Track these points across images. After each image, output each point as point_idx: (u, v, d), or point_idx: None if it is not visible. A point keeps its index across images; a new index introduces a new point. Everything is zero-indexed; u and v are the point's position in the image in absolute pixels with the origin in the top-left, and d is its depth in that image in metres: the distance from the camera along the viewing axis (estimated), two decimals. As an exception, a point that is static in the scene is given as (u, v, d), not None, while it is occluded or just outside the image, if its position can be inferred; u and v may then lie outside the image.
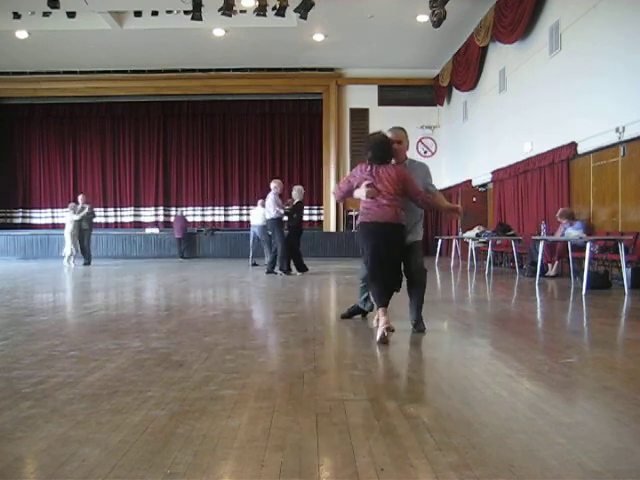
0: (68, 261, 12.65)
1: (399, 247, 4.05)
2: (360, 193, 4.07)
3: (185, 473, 1.72)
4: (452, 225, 16.09)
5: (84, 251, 13.11)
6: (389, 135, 4.28)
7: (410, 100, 17.50)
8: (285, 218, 9.71)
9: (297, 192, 10.11)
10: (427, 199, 4.20)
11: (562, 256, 8.81)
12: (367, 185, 4.02)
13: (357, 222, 4.22)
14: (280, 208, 9.62)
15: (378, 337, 3.69)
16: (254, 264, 12.02)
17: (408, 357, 3.55)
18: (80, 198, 13.75)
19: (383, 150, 4.10)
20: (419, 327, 4.16)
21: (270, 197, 9.75)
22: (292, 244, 9.73)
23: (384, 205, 3.98)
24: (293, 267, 9.75)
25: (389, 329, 3.76)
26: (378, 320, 3.83)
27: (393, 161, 4.21)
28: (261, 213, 12.68)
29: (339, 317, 4.71)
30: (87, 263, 13.04)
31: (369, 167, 4.08)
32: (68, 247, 12.75)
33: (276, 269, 9.58)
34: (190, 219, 18.01)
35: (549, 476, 1.70)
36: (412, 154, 17.12)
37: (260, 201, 13.24)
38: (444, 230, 16.78)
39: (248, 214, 19.11)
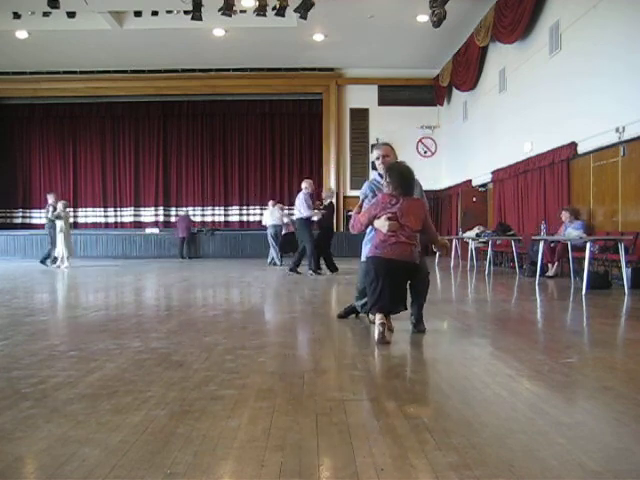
0: (63, 261, 12.15)
1: (410, 281, 4.09)
2: (381, 224, 3.85)
3: (185, 473, 1.72)
4: (452, 225, 16.09)
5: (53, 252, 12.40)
6: (377, 152, 4.29)
7: (410, 100, 17.51)
8: (315, 218, 9.59)
9: (330, 193, 10.10)
10: (430, 236, 4.14)
11: (562, 257, 8.82)
12: (389, 218, 3.82)
13: (368, 252, 4.02)
14: (310, 209, 9.49)
15: (376, 337, 3.68)
16: (273, 263, 11.90)
17: (408, 357, 3.55)
18: (50, 197, 13.07)
19: (409, 181, 3.93)
20: (419, 327, 4.15)
21: (300, 197, 9.59)
22: (324, 245, 9.67)
23: (403, 242, 3.82)
24: (323, 266, 9.74)
25: (385, 326, 3.79)
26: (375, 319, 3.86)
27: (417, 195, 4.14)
28: (269, 213, 12.94)
29: (336, 317, 4.72)
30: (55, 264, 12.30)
31: (394, 199, 3.86)
32: (60, 248, 12.19)
33: (302, 269, 9.53)
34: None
35: (549, 476, 1.70)
36: (412, 154, 17.18)
37: (271, 202, 13.41)
38: (444, 230, 16.78)
39: (248, 214, 19.22)
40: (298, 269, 9.54)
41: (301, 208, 9.50)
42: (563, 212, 8.84)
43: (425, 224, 3.95)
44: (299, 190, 9.91)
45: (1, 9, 12.67)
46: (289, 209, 18.96)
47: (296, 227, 9.83)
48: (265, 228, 12.94)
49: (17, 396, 2.50)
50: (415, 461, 1.79)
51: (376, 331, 3.71)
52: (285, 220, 12.81)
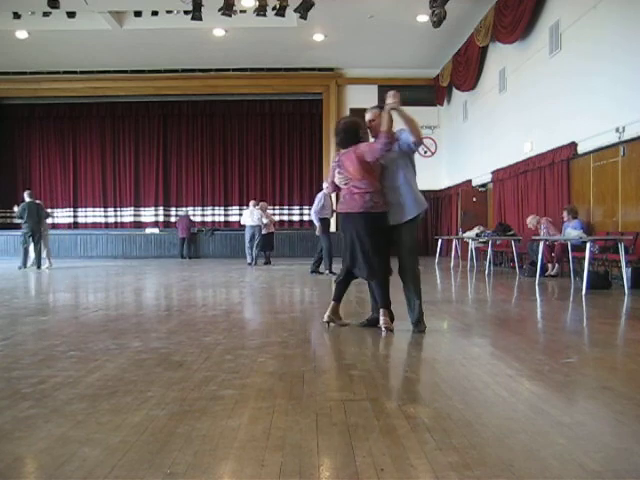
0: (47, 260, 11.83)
1: (373, 236, 3.96)
2: (337, 180, 4.10)
3: (185, 473, 1.72)
4: (452, 225, 16.10)
5: (28, 252, 12.13)
6: (367, 116, 4.18)
7: (410, 100, 17.34)
8: (316, 223, 9.43)
9: None
10: (379, 142, 3.88)
11: (560, 257, 8.82)
12: (339, 172, 4.06)
13: None
14: (324, 209, 9.35)
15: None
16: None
17: (408, 357, 3.55)
18: (26, 194, 12.72)
19: (347, 133, 4.07)
20: (420, 327, 4.11)
21: (319, 196, 9.47)
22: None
23: (354, 194, 3.98)
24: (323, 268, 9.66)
25: (330, 321, 4.15)
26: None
27: (371, 140, 4.13)
28: (249, 213, 13.01)
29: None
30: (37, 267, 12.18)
31: (337, 155, 4.16)
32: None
33: (321, 269, 9.51)
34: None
35: (549, 476, 1.70)
36: (412, 154, 16.53)
37: (252, 202, 13.61)
38: (444, 230, 16.79)
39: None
40: (319, 269, 9.49)
41: (317, 208, 9.36)
42: (564, 211, 8.93)
43: (365, 171, 3.93)
44: (314, 190, 9.86)
45: (1, 9, 12.67)
46: (288, 208, 19.02)
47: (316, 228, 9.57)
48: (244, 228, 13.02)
49: (17, 396, 2.50)
50: (415, 461, 1.79)
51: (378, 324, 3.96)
52: (265, 221, 12.89)
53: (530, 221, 9.62)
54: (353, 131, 4.07)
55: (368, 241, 3.98)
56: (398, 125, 3.99)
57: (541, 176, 10.64)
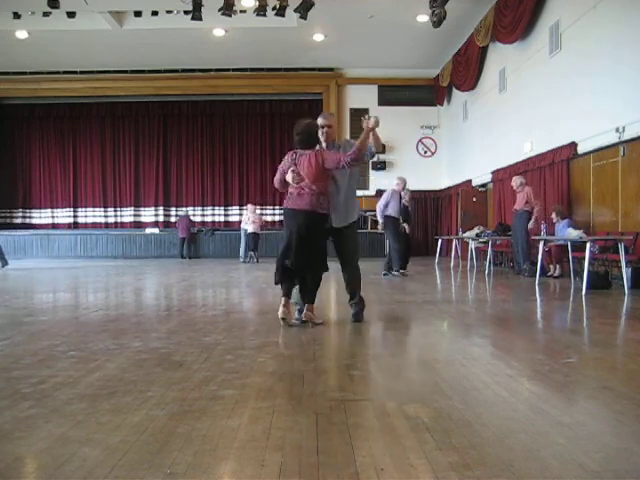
0: None
1: (315, 234, 4.26)
2: (288, 178, 4.29)
3: (185, 473, 1.72)
4: (452, 225, 16.09)
5: None
6: (320, 120, 4.42)
7: (410, 100, 17.51)
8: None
9: (407, 191, 9.91)
10: (349, 155, 4.11)
11: (559, 258, 8.81)
12: (292, 171, 4.25)
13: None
14: (393, 207, 9.12)
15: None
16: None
17: (408, 357, 3.55)
18: None
19: (308, 135, 4.29)
20: (358, 318, 4.41)
21: (387, 193, 9.20)
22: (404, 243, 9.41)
23: (304, 193, 4.23)
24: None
25: (284, 319, 4.22)
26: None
27: (323, 145, 4.40)
28: (251, 216, 14.07)
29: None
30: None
31: (294, 154, 4.32)
32: None
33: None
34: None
35: (549, 476, 1.70)
36: (412, 154, 17.20)
37: (250, 206, 14.57)
38: (444, 230, 16.79)
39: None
40: (392, 271, 9.22)
41: (381, 205, 9.12)
42: (553, 212, 8.99)
43: (328, 164, 4.17)
44: None
45: (1, 9, 12.67)
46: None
47: (385, 227, 9.31)
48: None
49: (17, 396, 2.50)
50: (415, 461, 1.79)
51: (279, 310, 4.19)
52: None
53: (515, 180, 9.47)
54: (314, 133, 4.31)
55: (309, 238, 4.25)
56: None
57: (541, 176, 10.64)
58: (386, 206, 9.08)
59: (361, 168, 4.62)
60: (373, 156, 4.43)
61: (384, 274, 9.15)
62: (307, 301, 4.37)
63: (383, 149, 4.45)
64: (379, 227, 9.25)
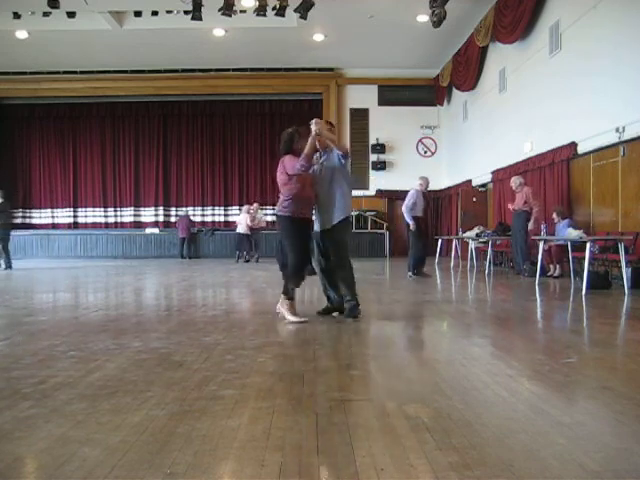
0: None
1: (289, 235, 4.56)
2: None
3: (185, 473, 1.72)
4: (452, 225, 16.10)
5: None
6: (312, 127, 4.56)
7: (410, 100, 17.51)
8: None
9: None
10: (299, 161, 4.40)
11: (559, 257, 8.81)
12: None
13: None
14: (415, 207, 9.00)
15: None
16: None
17: (408, 357, 3.55)
18: None
19: (284, 143, 4.62)
20: (350, 314, 4.55)
21: (411, 193, 9.11)
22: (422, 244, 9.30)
23: (280, 198, 4.61)
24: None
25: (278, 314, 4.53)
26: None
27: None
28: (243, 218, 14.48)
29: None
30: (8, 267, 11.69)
31: None
32: None
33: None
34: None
35: (549, 476, 1.70)
36: (412, 154, 17.16)
37: (245, 207, 14.91)
38: (444, 230, 16.79)
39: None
40: (423, 270, 9.09)
41: (405, 211, 9.04)
42: (554, 213, 8.99)
43: (287, 169, 4.48)
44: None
45: (1, 9, 12.67)
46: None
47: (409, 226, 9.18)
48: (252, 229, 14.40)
49: (17, 396, 2.50)
50: (415, 461, 1.79)
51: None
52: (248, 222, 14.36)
53: (514, 180, 9.48)
54: (288, 141, 4.60)
55: (284, 239, 4.63)
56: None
57: (541, 176, 10.64)
58: (413, 207, 8.99)
59: (348, 173, 4.80)
60: (344, 157, 4.60)
61: (411, 275, 8.95)
62: (282, 291, 4.62)
63: (349, 151, 4.77)
64: (411, 228, 9.10)
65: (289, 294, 4.57)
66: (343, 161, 4.62)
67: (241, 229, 14.40)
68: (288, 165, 4.49)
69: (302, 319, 4.50)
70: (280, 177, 4.57)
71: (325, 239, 4.69)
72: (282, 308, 4.59)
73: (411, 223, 8.97)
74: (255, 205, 15.00)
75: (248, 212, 14.63)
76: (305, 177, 4.53)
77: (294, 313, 4.54)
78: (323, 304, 5.00)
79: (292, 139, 4.56)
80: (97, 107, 18.68)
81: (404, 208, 9.10)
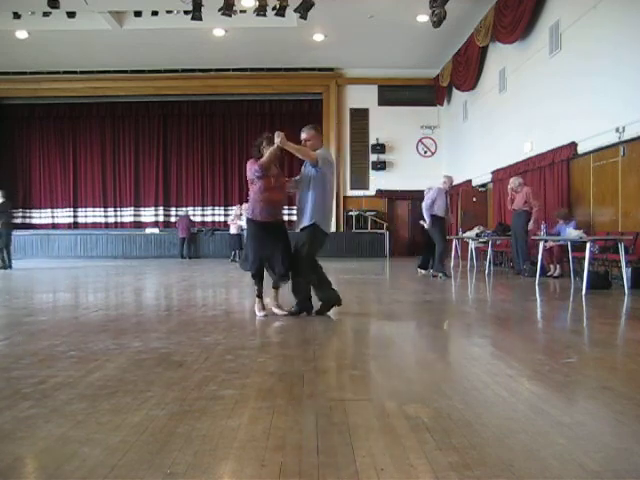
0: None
1: (250, 236, 4.83)
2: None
3: (185, 473, 1.72)
4: (452, 225, 16.08)
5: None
6: (301, 135, 4.92)
7: (410, 100, 17.52)
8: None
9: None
10: (260, 164, 4.68)
11: (560, 258, 8.81)
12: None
13: None
14: (436, 206, 8.91)
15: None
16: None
17: (408, 357, 3.55)
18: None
19: (254, 147, 4.89)
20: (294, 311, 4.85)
21: (435, 192, 9.03)
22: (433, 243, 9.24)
23: None
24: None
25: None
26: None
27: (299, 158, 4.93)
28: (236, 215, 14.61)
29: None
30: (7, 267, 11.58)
31: None
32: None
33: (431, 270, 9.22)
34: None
35: (549, 476, 1.70)
36: (412, 154, 17.18)
37: (238, 206, 14.99)
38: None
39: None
40: (444, 269, 8.97)
41: (424, 208, 8.97)
42: (557, 217, 8.97)
43: (250, 183, 4.80)
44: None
45: (1, 9, 12.66)
46: (288, 208, 19.01)
47: (431, 226, 9.07)
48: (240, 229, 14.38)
49: (17, 396, 2.50)
50: (415, 461, 1.79)
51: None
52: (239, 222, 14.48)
53: (512, 181, 9.46)
54: (256, 146, 4.84)
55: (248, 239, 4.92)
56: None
57: (541, 176, 10.64)
58: (432, 205, 8.92)
59: (324, 180, 4.92)
60: (314, 165, 4.78)
61: (434, 275, 8.87)
62: (256, 294, 4.96)
63: (317, 161, 4.83)
64: (426, 225, 9.07)
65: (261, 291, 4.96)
66: (315, 169, 4.77)
67: (231, 229, 14.89)
68: (248, 168, 4.80)
69: (262, 314, 4.85)
70: (248, 180, 4.89)
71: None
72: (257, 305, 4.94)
73: (427, 220, 8.92)
74: (245, 205, 14.98)
75: (236, 212, 15.01)
76: (273, 182, 4.77)
77: (260, 309, 4.91)
78: (316, 306, 5.00)
79: (260, 145, 4.80)
80: (97, 107, 18.68)
81: (423, 206, 9.06)
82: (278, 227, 4.87)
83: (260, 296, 4.94)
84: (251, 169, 4.76)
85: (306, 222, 4.79)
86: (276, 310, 4.91)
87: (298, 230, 4.90)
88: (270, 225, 4.78)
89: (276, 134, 4.67)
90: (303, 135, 4.91)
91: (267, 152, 4.68)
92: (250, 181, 4.81)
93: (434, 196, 8.93)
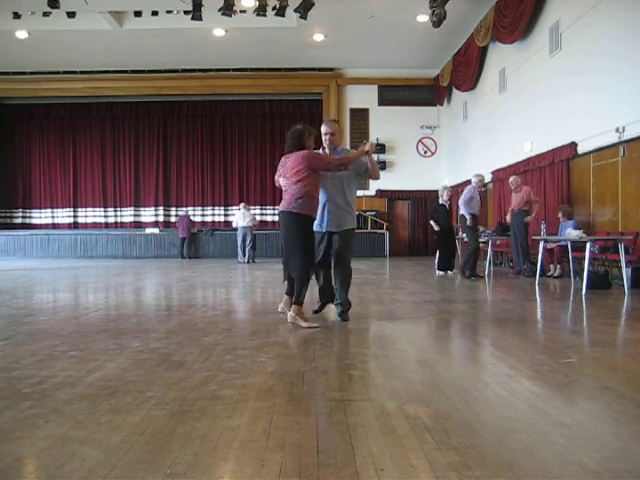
0: None
1: (296, 234, 4.29)
2: (281, 182, 4.46)
3: (185, 473, 1.72)
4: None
5: None
6: (323, 128, 4.70)
7: (410, 100, 17.52)
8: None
9: (447, 189, 9.85)
10: (335, 161, 4.41)
11: (560, 257, 8.81)
12: (280, 175, 4.45)
13: None
14: (473, 205, 8.92)
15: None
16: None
17: (408, 357, 3.55)
18: None
19: (292, 140, 4.41)
20: (344, 317, 4.56)
21: (468, 188, 9.04)
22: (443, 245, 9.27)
23: (286, 193, 4.36)
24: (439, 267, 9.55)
25: (282, 312, 4.45)
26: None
27: (327, 151, 4.67)
28: (242, 215, 14.22)
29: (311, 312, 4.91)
30: None
31: (284, 158, 4.48)
32: None
33: (454, 271, 9.22)
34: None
35: (549, 476, 1.70)
36: (412, 154, 17.18)
37: (242, 204, 14.74)
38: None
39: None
40: (476, 271, 8.92)
41: (462, 205, 8.94)
42: (559, 212, 8.97)
43: (314, 165, 4.29)
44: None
45: (1, 9, 12.66)
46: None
47: (461, 226, 9.07)
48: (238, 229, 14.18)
49: (17, 396, 2.50)
50: (415, 461, 1.79)
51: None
52: (250, 223, 14.17)
53: (512, 181, 9.45)
54: (298, 137, 4.43)
55: (291, 238, 4.35)
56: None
57: (541, 176, 10.64)
58: (470, 201, 8.90)
59: (358, 181, 4.89)
60: (366, 173, 4.74)
61: (468, 276, 8.77)
62: (293, 302, 4.34)
63: (379, 174, 4.91)
64: (436, 227, 9.15)
65: (301, 299, 4.34)
66: (364, 175, 4.80)
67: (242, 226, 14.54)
68: (318, 159, 4.36)
69: (314, 325, 4.32)
70: (296, 172, 4.28)
71: (333, 240, 4.68)
72: (293, 315, 4.31)
73: (468, 218, 8.87)
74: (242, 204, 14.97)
75: (248, 209, 14.72)
76: (316, 178, 4.39)
77: (305, 319, 4.34)
78: (316, 306, 4.99)
79: (302, 135, 4.40)
80: (97, 107, 18.68)
81: (460, 202, 9.01)
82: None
83: (302, 302, 4.34)
84: (322, 160, 4.36)
85: (351, 224, 4.69)
86: (302, 323, 4.30)
87: (336, 230, 4.62)
88: (312, 222, 4.47)
89: (369, 143, 4.60)
90: (327, 129, 4.68)
91: (354, 154, 4.55)
92: (303, 172, 4.26)
93: (472, 193, 8.92)
